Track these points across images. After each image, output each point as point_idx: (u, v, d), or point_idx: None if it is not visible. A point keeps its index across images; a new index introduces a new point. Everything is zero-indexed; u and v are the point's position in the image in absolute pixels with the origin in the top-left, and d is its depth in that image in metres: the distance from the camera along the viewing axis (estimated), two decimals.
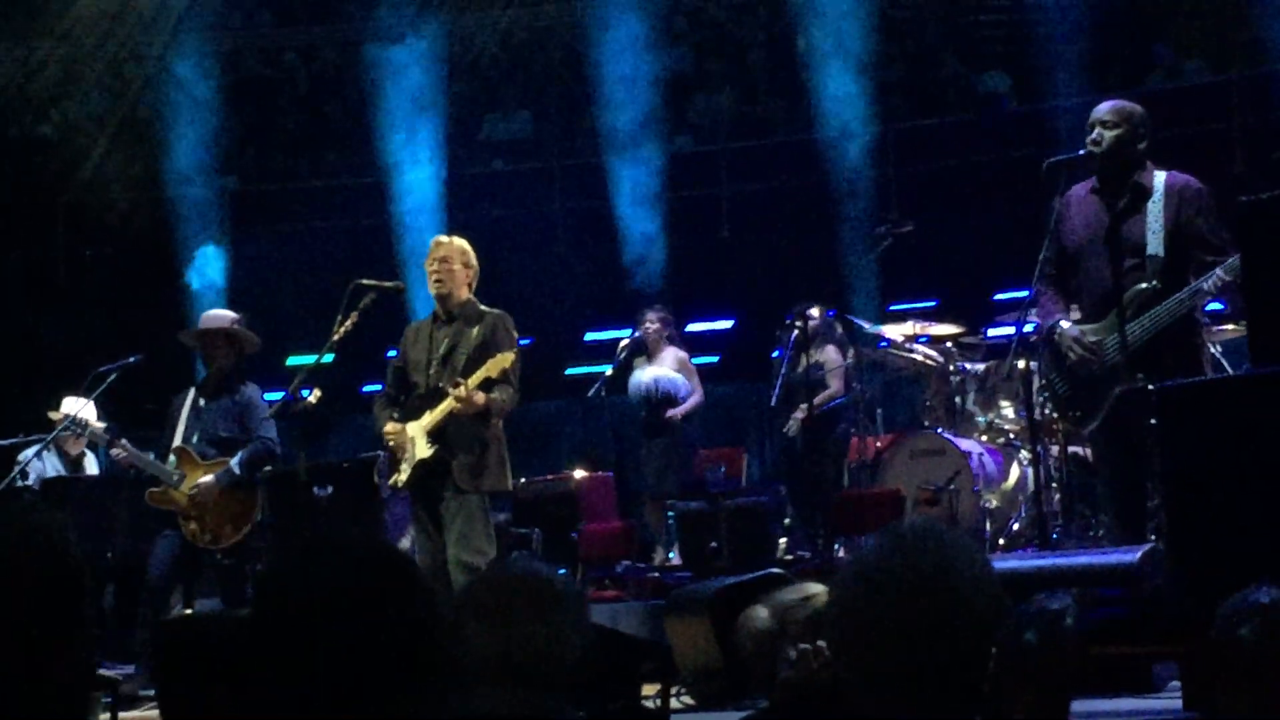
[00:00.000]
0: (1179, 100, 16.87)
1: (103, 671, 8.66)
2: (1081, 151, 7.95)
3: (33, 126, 20.84)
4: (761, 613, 4.22)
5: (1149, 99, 10.24)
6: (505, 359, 8.87)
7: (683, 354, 13.77)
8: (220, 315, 10.54)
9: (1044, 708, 2.99)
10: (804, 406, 12.07)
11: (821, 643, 4.00)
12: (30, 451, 11.69)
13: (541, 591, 3.54)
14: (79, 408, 10.91)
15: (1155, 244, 7.72)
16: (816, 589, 4.21)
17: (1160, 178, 7.84)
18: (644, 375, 13.58)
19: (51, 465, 12.20)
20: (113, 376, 10.57)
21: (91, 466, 12.42)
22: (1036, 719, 2.98)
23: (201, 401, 10.22)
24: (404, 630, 2.61)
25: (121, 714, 7.83)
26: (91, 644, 2.67)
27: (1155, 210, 7.76)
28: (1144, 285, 7.70)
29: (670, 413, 13.39)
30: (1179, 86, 17.70)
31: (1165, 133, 9.24)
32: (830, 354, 13.09)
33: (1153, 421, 6.16)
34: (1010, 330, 10.52)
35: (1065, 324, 7.96)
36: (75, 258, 19.57)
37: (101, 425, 10.92)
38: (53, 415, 11.50)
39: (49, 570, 2.52)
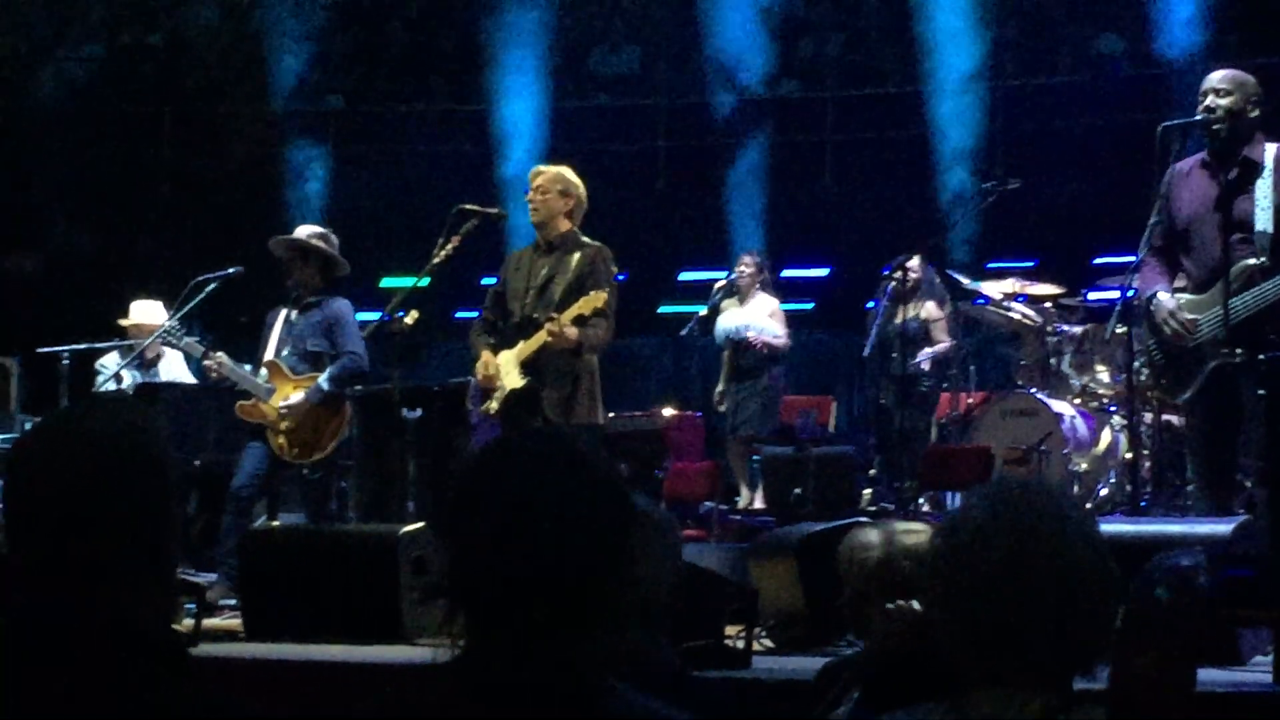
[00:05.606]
0: None
1: (189, 577, 8.74)
2: (1197, 117, 7.84)
3: (143, 35, 20.93)
4: (871, 534, 4.21)
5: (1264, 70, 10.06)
6: (598, 298, 8.82)
7: (774, 302, 13.64)
8: (302, 230, 10.50)
9: (1171, 668, 2.94)
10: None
11: (915, 603, 3.98)
12: (111, 360, 11.80)
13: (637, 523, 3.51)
14: (148, 313, 10.94)
15: (1264, 220, 7.62)
16: (919, 525, 4.20)
17: (1271, 150, 7.74)
18: (732, 320, 13.50)
19: (127, 371, 12.22)
20: (212, 286, 10.59)
21: (172, 368, 12.30)
22: (1163, 680, 2.92)
23: (293, 315, 10.19)
24: (614, 561, 2.46)
25: (204, 621, 7.89)
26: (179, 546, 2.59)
27: (1265, 185, 7.67)
28: (1252, 261, 7.60)
29: (753, 337, 13.23)
30: None
31: None
32: (931, 308, 12.96)
33: (1260, 392, 6.08)
34: (1110, 294, 10.40)
35: (1163, 295, 7.87)
36: (179, 169, 19.66)
37: (195, 338, 10.95)
38: (122, 322, 11.56)
39: (140, 469, 2.53)
